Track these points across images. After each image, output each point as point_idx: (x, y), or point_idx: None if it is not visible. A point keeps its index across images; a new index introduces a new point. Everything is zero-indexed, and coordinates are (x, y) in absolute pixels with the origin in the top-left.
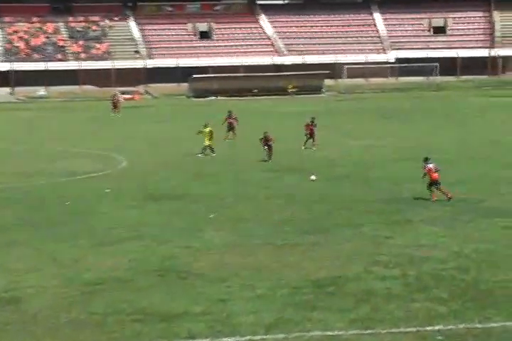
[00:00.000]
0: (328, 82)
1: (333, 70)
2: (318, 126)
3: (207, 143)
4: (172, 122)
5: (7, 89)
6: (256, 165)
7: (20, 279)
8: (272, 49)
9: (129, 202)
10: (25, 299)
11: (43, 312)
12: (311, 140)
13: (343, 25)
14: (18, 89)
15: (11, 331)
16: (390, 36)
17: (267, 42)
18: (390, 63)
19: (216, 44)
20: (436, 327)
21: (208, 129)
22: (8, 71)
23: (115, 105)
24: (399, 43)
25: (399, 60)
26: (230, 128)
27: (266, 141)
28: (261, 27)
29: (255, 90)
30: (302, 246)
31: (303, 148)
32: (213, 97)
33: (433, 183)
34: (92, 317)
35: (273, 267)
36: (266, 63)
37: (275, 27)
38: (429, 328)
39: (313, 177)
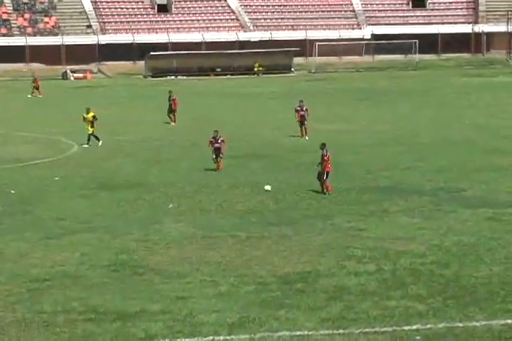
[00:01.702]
0: (297, 60)
1: (304, 47)
2: (307, 110)
3: (90, 130)
4: (127, 104)
5: None
6: None
7: None
8: (237, 24)
9: (80, 191)
10: None
11: None
12: (303, 127)
13: None
14: None
15: None
16: (365, 10)
17: (231, 17)
18: (365, 40)
19: (175, 18)
20: (414, 327)
21: (90, 115)
22: None
23: (36, 86)
24: (375, 18)
25: (375, 37)
26: (171, 110)
27: (215, 142)
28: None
29: (218, 69)
30: (269, 239)
31: (306, 138)
32: (172, 77)
33: (327, 174)
34: (39, 316)
35: (237, 262)
36: (230, 39)
37: (240, 0)
38: (406, 328)
39: (267, 187)
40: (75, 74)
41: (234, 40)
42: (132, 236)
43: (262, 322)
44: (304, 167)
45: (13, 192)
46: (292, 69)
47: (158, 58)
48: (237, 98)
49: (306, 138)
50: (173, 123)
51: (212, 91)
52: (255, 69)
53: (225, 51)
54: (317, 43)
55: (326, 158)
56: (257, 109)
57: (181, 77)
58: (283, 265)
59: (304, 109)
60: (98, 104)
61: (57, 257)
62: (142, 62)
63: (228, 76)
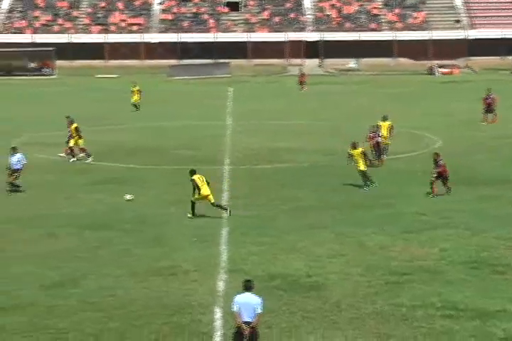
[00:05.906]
0: None
1: None
2: None
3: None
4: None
5: (315, 61)
6: None
7: (323, 264)
8: None
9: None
10: (327, 286)
11: (345, 300)
12: None
13: None
14: (327, 60)
15: (312, 319)
16: None
17: None
18: None
19: None
20: None
21: (386, 123)
22: (317, 41)
23: (301, 81)
24: None
25: None
26: (488, 109)
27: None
28: None
29: None
30: None
31: None
32: None
33: (439, 177)
34: (398, 309)
35: None
36: None
37: None
38: None
39: (127, 196)
40: (442, 70)
41: None
42: (493, 233)
43: None
44: None
45: (376, 185)
46: None
47: None
48: None
49: None
50: (484, 123)
51: None
52: None
53: None
54: None
55: (442, 166)
56: None
57: None
58: None
59: None
60: (462, 100)
61: (417, 252)
62: (510, 58)
63: None
